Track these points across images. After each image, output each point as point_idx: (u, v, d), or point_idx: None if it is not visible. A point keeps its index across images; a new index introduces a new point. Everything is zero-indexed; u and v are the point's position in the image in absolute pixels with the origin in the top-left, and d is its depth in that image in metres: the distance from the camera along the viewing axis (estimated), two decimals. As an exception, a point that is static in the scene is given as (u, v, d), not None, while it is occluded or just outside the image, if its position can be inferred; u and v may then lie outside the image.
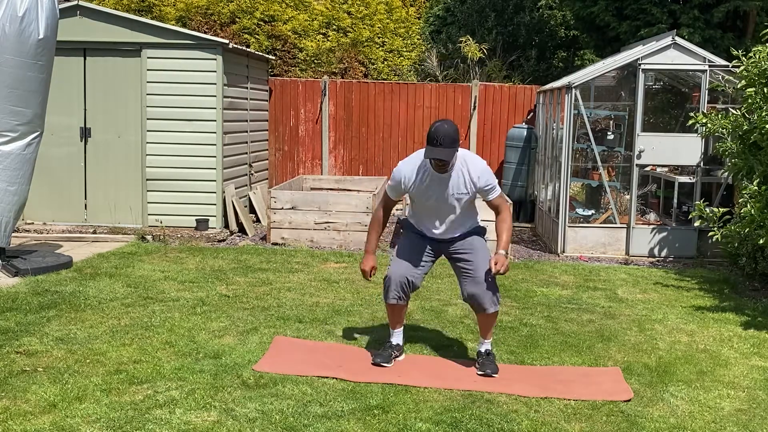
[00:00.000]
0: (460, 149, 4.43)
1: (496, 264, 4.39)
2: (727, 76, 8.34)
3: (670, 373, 4.65)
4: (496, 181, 4.57)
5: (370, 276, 4.73)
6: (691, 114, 7.58)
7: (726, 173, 7.88)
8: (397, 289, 4.61)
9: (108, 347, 4.77)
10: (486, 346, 4.70)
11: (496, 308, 4.58)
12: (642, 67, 8.36)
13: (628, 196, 8.66)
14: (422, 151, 4.47)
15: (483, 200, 4.58)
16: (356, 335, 5.22)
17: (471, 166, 4.47)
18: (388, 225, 10.24)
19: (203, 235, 8.73)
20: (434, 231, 4.64)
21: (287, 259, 7.71)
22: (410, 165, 4.54)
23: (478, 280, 4.52)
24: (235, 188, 9.38)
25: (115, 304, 5.78)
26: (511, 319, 5.70)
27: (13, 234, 7.44)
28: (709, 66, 8.33)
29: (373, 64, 14.11)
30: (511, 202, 8.59)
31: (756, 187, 6.52)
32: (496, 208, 4.57)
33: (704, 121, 7.28)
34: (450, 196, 4.48)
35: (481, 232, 4.72)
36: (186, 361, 4.55)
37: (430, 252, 4.70)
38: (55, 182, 8.99)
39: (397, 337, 4.78)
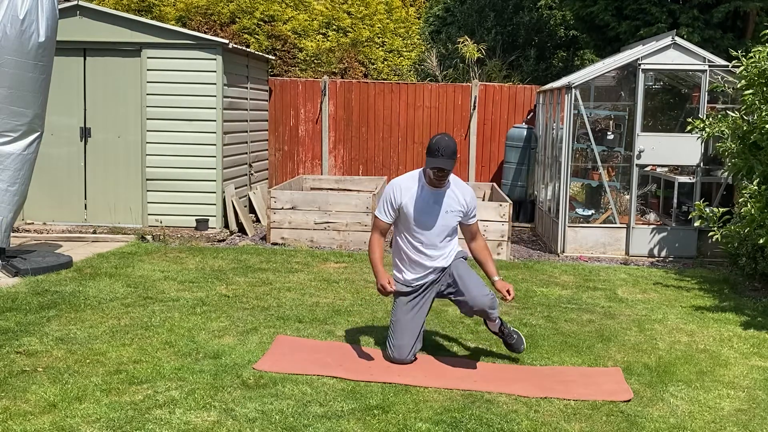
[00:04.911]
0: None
1: (509, 293, 4.58)
2: (726, 77, 8.34)
3: (670, 373, 4.65)
4: None
5: (390, 287, 4.55)
6: (689, 120, 7.57)
7: (726, 173, 7.88)
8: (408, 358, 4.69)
9: (108, 347, 4.77)
10: (497, 325, 4.81)
11: (495, 305, 4.65)
12: (642, 67, 8.36)
13: (628, 196, 8.66)
14: (414, 171, 4.70)
15: (463, 224, 4.74)
16: (356, 335, 5.22)
17: (462, 188, 4.71)
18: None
19: (203, 235, 8.73)
20: (423, 262, 4.66)
21: (287, 259, 7.71)
22: (403, 179, 4.70)
23: (475, 296, 4.56)
24: (235, 188, 9.38)
25: (115, 304, 5.78)
26: (511, 319, 5.70)
27: (13, 234, 7.45)
28: (709, 66, 8.33)
29: (373, 64, 14.11)
30: (510, 201, 8.59)
31: (756, 187, 6.52)
32: (473, 235, 4.80)
33: (702, 126, 7.27)
34: (445, 213, 4.62)
35: (463, 256, 4.80)
36: (186, 361, 4.55)
37: (426, 309, 4.76)
38: (55, 182, 9.00)
39: None
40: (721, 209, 6.90)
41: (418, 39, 15.49)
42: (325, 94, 11.32)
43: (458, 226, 4.77)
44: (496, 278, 4.70)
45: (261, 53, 11.13)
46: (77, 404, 3.87)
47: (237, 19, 13.77)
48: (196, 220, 8.91)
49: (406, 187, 4.64)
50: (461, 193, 4.68)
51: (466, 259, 4.82)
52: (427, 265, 4.69)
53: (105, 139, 8.98)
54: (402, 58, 14.60)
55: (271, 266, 7.32)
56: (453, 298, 4.76)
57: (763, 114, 6.54)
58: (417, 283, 4.73)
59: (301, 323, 5.45)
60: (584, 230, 8.64)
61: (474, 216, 4.76)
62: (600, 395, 4.24)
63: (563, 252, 8.54)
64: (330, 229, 8.54)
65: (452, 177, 4.70)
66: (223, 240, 8.76)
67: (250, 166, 10.21)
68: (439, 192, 4.62)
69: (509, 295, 4.60)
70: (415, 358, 4.72)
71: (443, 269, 4.73)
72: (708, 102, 8.44)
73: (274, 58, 12.69)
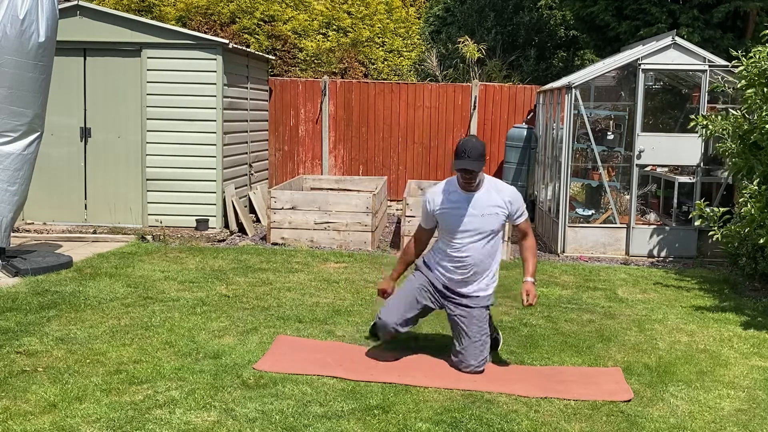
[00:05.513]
0: (486, 176, 4.61)
1: (528, 295, 4.57)
2: (726, 77, 8.34)
3: (670, 373, 4.65)
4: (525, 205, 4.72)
5: (384, 296, 4.80)
6: (692, 116, 7.58)
7: (726, 173, 7.88)
8: (386, 336, 4.72)
9: (108, 347, 4.77)
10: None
11: (482, 367, 4.59)
12: (642, 67, 8.36)
13: (628, 196, 8.66)
14: (449, 179, 4.69)
15: (511, 224, 4.71)
16: (356, 335, 5.22)
17: (500, 189, 4.63)
18: (388, 225, 10.26)
19: (203, 235, 8.73)
20: (454, 272, 4.65)
21: (287, 259, 7.71)
22: (438, 186, 4.72)
23: (466, 347, 4.58)
24: (235, 188, 9.38)
25: (115, 304, 5.78)
26: (511, 319, 5.70)
27: (13, 234, 7.44)
28: (709, 66, 8.33)
29: (373, 64, 14.12)
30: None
31: (756, 187, 6.52)
32: (523, 233, 4.74)
33: (705, 123, 7.28)
34: (480, 216, 4.55)
35: (489, 302, 4.77)
36: (186, 361, 4.55)
37: (429, 303, 4.72)
38: (55, 182, 8.99)
39: None
40: (721, 209, 6.90)
41: (418, 39, 15.49)
42: (325, 94, 11.32)
43: (500, 237, 4.71)
44: (528, 279, 4.64)
45: (261, 53, 11.13)
46: (77, 404, 3.87)
47: (237, 19, 13.77)
48: (196, 220, 8.91)
49: (438, 191, 4.65)
50: (499, 195, 4.58)
51: (489, 307, 4.77)
52: (459, 276, 4.64)
53: (105, 139, 8.98)
54: (402, 58, 14.60)
55: (271, 266, 7.32)
56: (452, 320, 4.73)
57: (764, 114, 6.55)
58: (440, 279, 4.70)
59: (301, 323, 5.45)
60: (584, 230, 8.63)
61: (521, 216, 4.65)
62: (600, 395, 4.24)
63: (563, 252, 8.54)
64: (330, 229, 8.54)
65: (491, 179, 4.65)
66: (223, 240, 8.75)
67: (250, 166, 10.21)
68: (471, 195, 4.57)
69: (526, 300, 4.56)
70: (398, 333, 4.66)
71: (466, 293, 4.69)
72: (708, 102, 8.44)
73: (274, 58, 12.69)
